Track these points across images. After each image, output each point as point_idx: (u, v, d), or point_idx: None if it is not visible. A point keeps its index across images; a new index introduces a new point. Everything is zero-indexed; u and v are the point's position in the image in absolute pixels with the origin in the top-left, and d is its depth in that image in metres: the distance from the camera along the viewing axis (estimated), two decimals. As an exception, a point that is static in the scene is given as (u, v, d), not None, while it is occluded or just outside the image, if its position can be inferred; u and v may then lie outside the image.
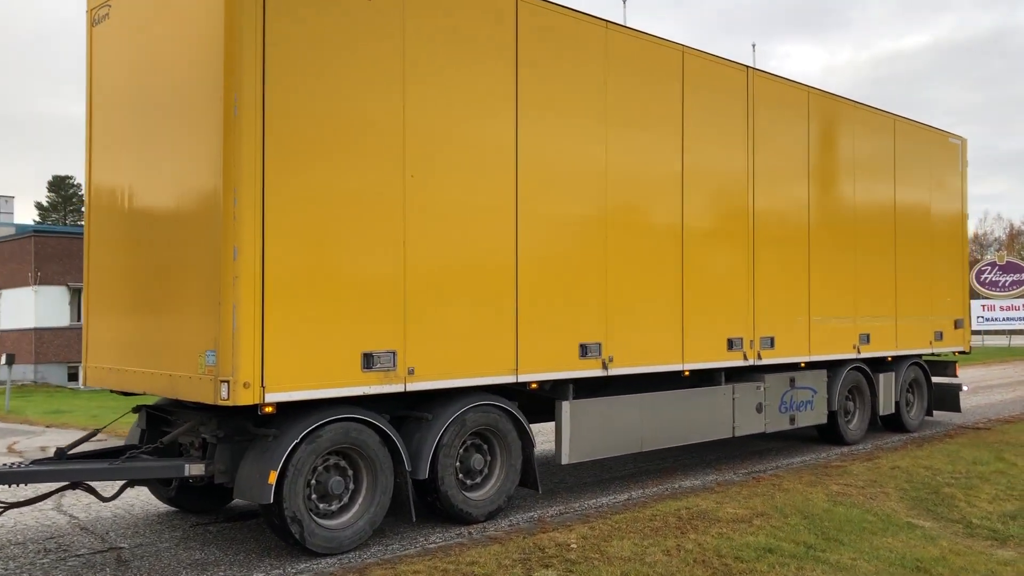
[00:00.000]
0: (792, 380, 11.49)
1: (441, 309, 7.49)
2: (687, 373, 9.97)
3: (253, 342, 6.33)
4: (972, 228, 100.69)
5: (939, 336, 14.27)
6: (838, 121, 12.29)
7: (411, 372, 7.25)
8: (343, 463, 7.10)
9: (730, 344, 10.40)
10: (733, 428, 10.59)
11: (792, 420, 11.48)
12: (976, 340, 54.90)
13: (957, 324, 14.74)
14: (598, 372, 8.84)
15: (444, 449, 7.61)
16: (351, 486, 7.15)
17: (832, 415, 12.26)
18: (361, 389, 6.97)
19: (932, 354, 14.67)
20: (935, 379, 14.98)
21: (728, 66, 10.50)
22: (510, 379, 8.03)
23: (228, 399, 6.28)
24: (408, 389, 7.26)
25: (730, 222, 10.47)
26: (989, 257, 62.99)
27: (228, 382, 6.28)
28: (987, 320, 53.57)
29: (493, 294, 7.90)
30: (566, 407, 8.66)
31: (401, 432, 7.65)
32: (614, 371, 9.00)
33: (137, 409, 7.96)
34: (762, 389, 11.00)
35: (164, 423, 7.69)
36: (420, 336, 7.32)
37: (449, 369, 7.54)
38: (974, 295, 55.51)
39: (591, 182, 8.84)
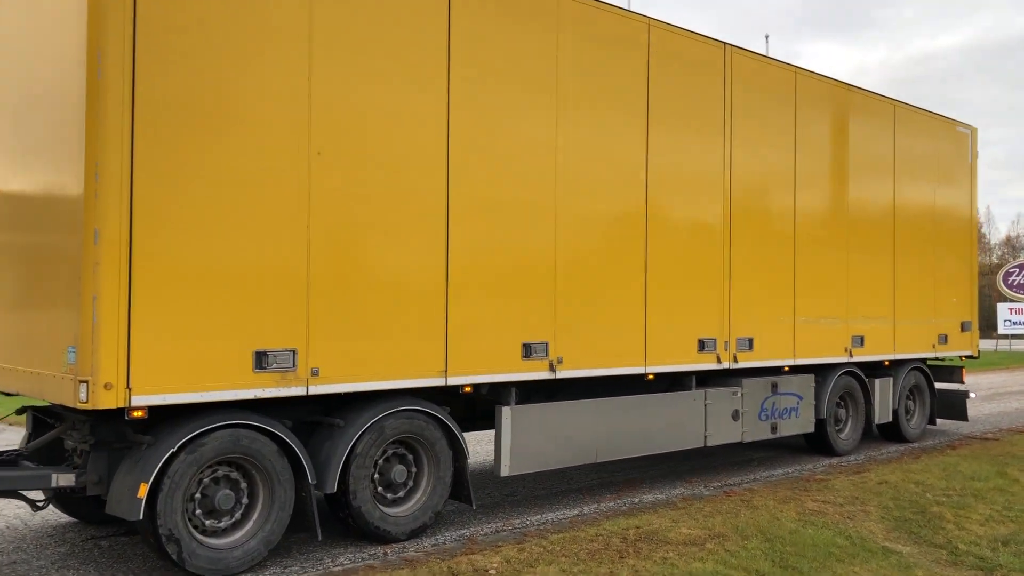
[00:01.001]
0: (774, 385, 10.58)
1: (353, 303, 6.69)
2: (651, 377, 9.11)
3: (117, 338, 5.57)
4: (1004, 231, 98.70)
5: (943, 339, 13.27)
6: (829, 105, 11.36)
7: (315, 373, 6.46)
8: (235, 475, 6.32)
9: (701, 345, 9.51)
10: (705, 437, 9.70)
11: (774, 429, 10.57)
12: (1003, 344, 53.28)
13: (964, 327, 13.72)
14: (544, 375, 8.01)
15: (357, 460, 6.82)
16: (244, 501, 6.38)
17: (820, 423, 11.32)
18: (252, 392, 6.19)
19: (936, 358, 13.67)
20: (940, 385, 13.99)
21: (702, 42, 9.62)
22: (438, 382, 7.22)
23: (87, 402, 5.53)
24: (311, 392, 6.47)
25: (702, 212, 9.59)
26: (1019, 259, 61.22)
27: (87, 382, 5.52)
28: (1014, 324, 51.73)
29: (418, 286, 7.09)
30: (506, 413, 7.84)
31: (311, 440, 6.89)
32: (564, 374, 8.16)
33: (22, 411, 7.24)
34: (739, 395, 10.10)
35: (50, 427, 6.96)
36: (326, 333, 6.53)
37: (362, 370, 6.74)
38: (1001, 298, 53.90)
39: (541, 162, 8.00)
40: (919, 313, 12.78)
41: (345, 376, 6.64)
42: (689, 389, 9.65)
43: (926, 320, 12.93)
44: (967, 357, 14.04)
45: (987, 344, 56.82)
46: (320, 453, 6.77)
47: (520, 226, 7.84)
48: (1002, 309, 51.23)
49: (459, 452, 7.52)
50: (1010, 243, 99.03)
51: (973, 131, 14.14)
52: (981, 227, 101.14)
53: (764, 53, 10.49)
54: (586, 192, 8.38)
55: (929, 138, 13.14)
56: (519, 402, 8.09)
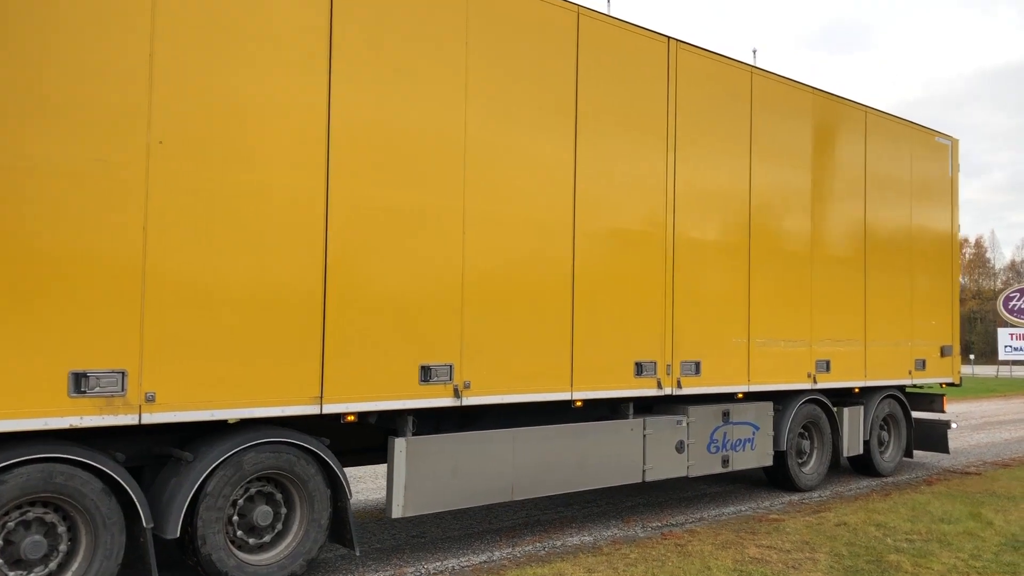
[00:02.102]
0: (726, 414, 9.61)
1: (201, 316, 5.76)
2: (579, 404, 8.16)
3: None
4: (1009, 255, 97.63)
5: (921, 365, 12.29)
6: (791, 109, 10.45)
7: (150, 399, 5.52)
8: (50, 517, 5.37)
9: (639, 369, 8.56)
10: (643, 472, 8.72)
11: (726, 462, 9.59)
12: (1004, 371, 52.09)
13: (944, 351, 12.74)
14: (447, 401, 7.06)
15: (207, 500, 5.87)
16: (62, 548, 5.42)
17: (780, 456, 10.34)
18: (67, 421, 5.25)
19: (913, 386, 12.69)
20: (918, 415, 13.00)
21: (642, 36, 8.75)
22: (310, 409, 6.28)
23: None
24: (145, 422, 5.53)
25: (640, 221, 8.67)
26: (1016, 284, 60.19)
27: None
28: (1015, 350, 50.67)
29: (287, 299, 6.17)
30: (400, 446, 6.89)
31: (158, 477, 5.95)
32: (471, 400, 7.21)
33: None
34: (684, 424, 9.13)
35: None
36: (166, 351, 5.60)
37: (213, 396, 5.80)
38: (1000, 323, 52.75)
39: (442, 160, 7.10)
40: (893, 336, 11.82)
41: (191, 403, 5.71)
42: (626, 418, 8.68)
43: (901, 344, 11.96)
44: (948, 384, 13.04)
45: (988, 370, 55.75)
46: (164, 492, 5.83)
47: (418, 231, 6.92)
48: (1002, 335, 50.20)
49: (340, 490, 6.56)
50: (1014, 268, 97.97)
51: (954, 142, 13.24)
52: (986, 252, 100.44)
53: (718, 52, 9.61)
54: (501, 196, 7.47)
55: (905, 148, 12.24)
56: (420, 432, 7.15)
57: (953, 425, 12.94)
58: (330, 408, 6.38)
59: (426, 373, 6.90)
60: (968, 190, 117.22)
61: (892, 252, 11.90)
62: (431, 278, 6.99)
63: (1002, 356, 49.99)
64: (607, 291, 8.31)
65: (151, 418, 5.55)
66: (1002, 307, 50.87)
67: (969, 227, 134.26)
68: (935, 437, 12.90)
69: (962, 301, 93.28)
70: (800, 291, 10.44)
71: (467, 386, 7.17)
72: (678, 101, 9.01)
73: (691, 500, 10.01)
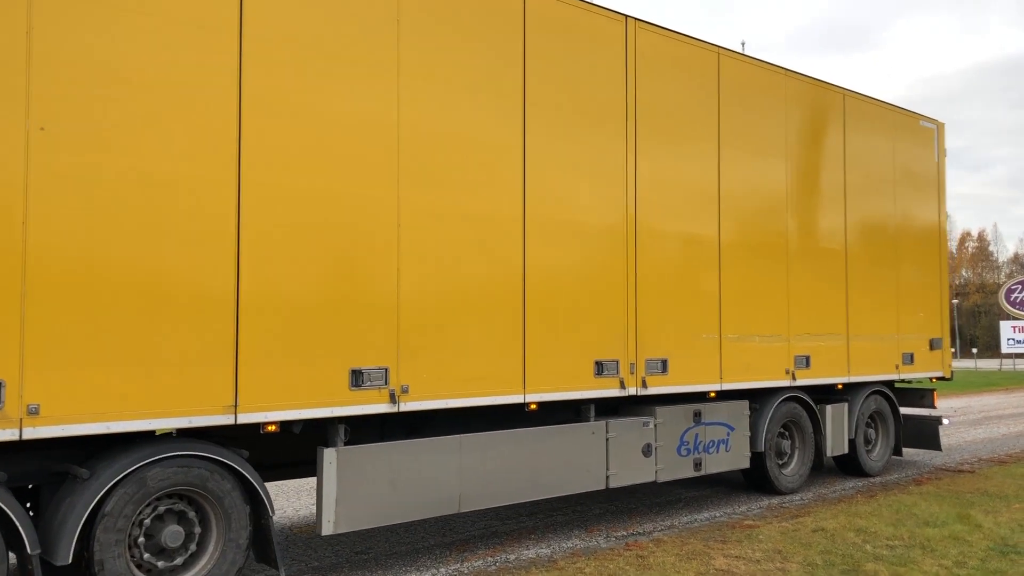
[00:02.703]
0: (697, 414, 9.07)
1: (94, 318, 5.24)
2: (533, 407, 7.62)
3: None
4: (1012, 249, 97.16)
5: (909, 359, 11.74)
6: (762, 93, 9.91)
7: (33, 411, 5.00)
8: (-79, 545, 4.85)
9: (599, 368, 8.03)
10: (607, 478, 8.18)
11: (698, 465, 9.04)
12: (1007, 364, 51.43)
13: (933, 344, 12.19)
14: (382, 408, 6.54)
15: (106, 520, 5.34)
16: (-65, 579, 4.90)
17: (758, 457, 9.78)
18: (-68, 437, 4.72)
19: (901, 380, 12.13)
20: (908, 411, 12.45)
21: (598, 14, 8.22)
22: (223, 419, 5.75)
23: None
24: (27, 437, 5.01)
25: (600, 210, 8.13)
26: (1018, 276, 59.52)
27: None
28: (1018, 343, 50.00)
29: (189, 298, 5.64)
30: (329, 456, 6.36)
31: (54, 498, 5.43)
32: (410, 406, 6.69)
33: None
34: (651, 426, 8.59)
35: None
36: (51, 358, 5.08)
37: (108, 406, 5.28)
38: (1002, 316, 52.10)
39: (372, 146, 6.58)
40: (878, 330, 11.27)
41: (81, 415, 5.18)
42: (587, 420, 8.14)
43: (887, 338, 11.41)
44: (939, 379, 12.48)
45: (991, 364, 55.09)
46: (57, 514, 5.31)
47: (346, 221, 6.39)
48: (1005, 327, 49.57)
49: (260, 507, 6.03)
50: (1018, 261, 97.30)
51: (939, 126, 12.70)
52: (988, 245, 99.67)
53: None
54: (441, 185, 6.94)
55: (887, 133, 11.70)
56: (363, 441, 6.64)
57: (945, 421, 12.37)
58: (246, 417, 5.85)
59: (357, 377, 6.37)
60: (971, 184, 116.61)
61: (875, 242, 11.36)
62: (364, 271, 6.46)
63: (1005, 349, 49.32)
64: (563, 286, 7.79)
65: (34, 433, 5.02)
66: (1004, 299, 50.23)
67: (972, 221, 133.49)
68: (927, 434, 12.34)
69: (965, 295, 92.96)
70: (776, 284, 9.90)
71: (405, 391, 6.64)
72: (638, 85, 8.48)
73: (663, 506, 9.46)
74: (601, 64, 8.20)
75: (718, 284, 9.21)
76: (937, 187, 12.56)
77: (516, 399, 7.41)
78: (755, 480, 10.09)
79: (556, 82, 7.79)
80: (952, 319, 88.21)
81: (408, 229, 6.71)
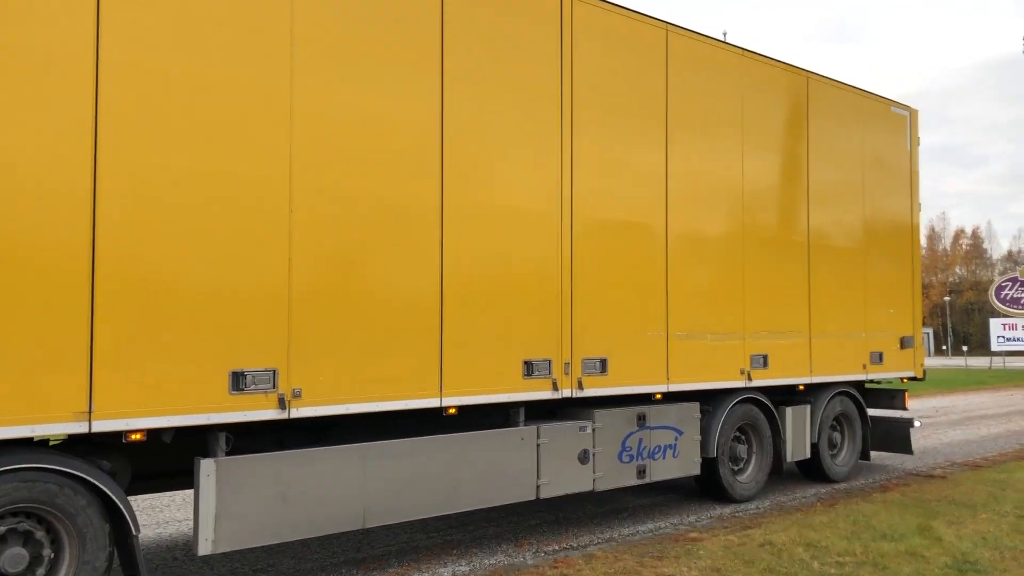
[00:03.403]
0: (641, 417, 8.44)
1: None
2: (452, 411, 6.97)
3: None
4: (1006, 246, 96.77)
5: (877, 358, 11.11)
6: (717, 74, 9.27)
7: None
8: None
9: (529, 368, 7.39)
10: (537, 487, 7.55)
11: (642, 472, 8.41)
12: (997, 362, 50.94)
13: (904, 343, 11.56)
14: (269, 414, 5.89)
15: (-74, 543, 4.68)
16: None
17: (710, 463, 9.15)
18: None
19: (869, 381, 11.51)
20: (878, 413, 11.83)
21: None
22: (75, 427, 5.09)
23: None
24: None
25: (529, 198, 7.49)
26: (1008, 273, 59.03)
27: None
28: (1008, 340, 49.55)
29: (27, 287, 4.98)
30: (207, 468, 5.71)
31: None
32: (304, 411, 6.04)
33: None
34: (589, 431, 7.95)
35: None
36: None
37: (-72, 413, 4.62)
38: (994, 313, 51.58)
39: (260, 119, 5.92)
40: (844, 327, 10.64)
41: None
42: (515, 425, 7.50)
43: (854, 335, 10.78)
44: (911, 379, 11.86)
45: (981, 361, 54.58)
46: None
47: (226, 203, 5.73)
48: (995, 325, 49.08)
49: (121, 525, 5.38)
50: (1012, 258, 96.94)
51: (912, 113, 12.07)
52: (983, 243, 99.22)
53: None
54: (344, 163, 6.29)
55: (855, 118, 11.07)
56: (246, 451, 5.99)
57: (917, 423, 11.76)
58: (103, 425, 5.19)
59: (239, 380, 5.72)
60: (966, 181, 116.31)
61: (841, 234, 10.73)
62: (247, 262, 5.81)
63: (994, 347, 48.84)
64: (487, 278, 7.14)
65: None
66: (994, 297, 49.77)
67: (966, 218, 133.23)
68: (897, 437, 11.73)
69: (959, 292, 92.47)
70: (730, 278, 9.26)
71: (297, 395, 5.99)
72: (575, 61, 7.83)
73: (607, 516, 8.82)
74: (534, 36, 7.55)
75: (665, 278, 8.57)
76: (909, 177, 11.93)
77: (431, 403, 6.77)
78: (708, 487, 9.47)
79: (481, 54, 7.15)
80: (945, 317, 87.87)
81: (303, 211, 6.06)
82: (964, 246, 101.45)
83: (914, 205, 11.99)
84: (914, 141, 12.03)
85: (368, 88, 6.45)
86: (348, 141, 6.32)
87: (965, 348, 59.71)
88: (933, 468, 11.80)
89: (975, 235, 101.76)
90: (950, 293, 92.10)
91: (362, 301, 6.35)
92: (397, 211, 6.58)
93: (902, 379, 11.76)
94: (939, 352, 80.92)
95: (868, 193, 11.14)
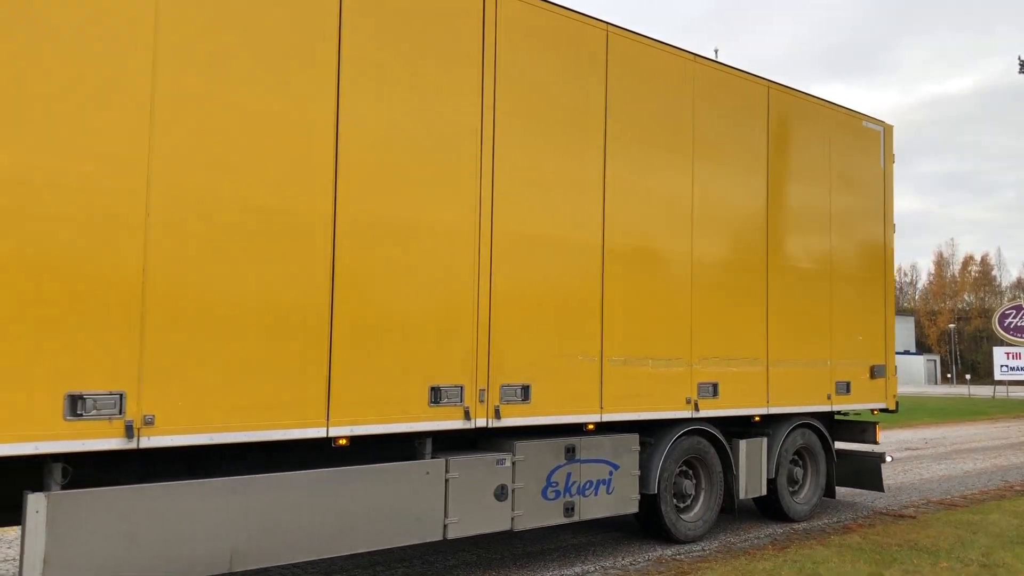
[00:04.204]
0: (570, 450, 7.74)
1: None
2: (343, 442, 6.29)
3: None
4: (1015, 273, 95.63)
5: (844, 388, 10.39)
6: (663, 80, 8.63)
7: None
8: None
9: (436, 395, 6.72)
10: (444, 527, 6.84)
11: (570, 510, 7.70)
12: (1000, 391, 49.94)
13: (875, 372, 10.84)
14: (114, 443, 5.23)
15: None
16: None
17: (651, 500, 8.43)
18: None
19: (838, 413, 10.79)
20: (846, 447, 11.09)
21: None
22: None
23: None
24: None
25: (440, 208, 6.84)
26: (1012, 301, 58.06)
27: None
28: (1012, 369, 48.65)
29: None
30: (35, 503, 5.04)
31: None
32: (156, 441, 5.38)
33: None
34: (508, 464, 7.26)
35: None
36: None
37: None
38: (998, 342, 50.58)
39: (107, 111, 5.29)
40: (806, 354, 9.94)
41: None
42: (422, 458, 6.82)
43: (817, 364, 10.07)
44: (882, 411, 11.12)
45: (984, 390, 53.53)
46: None
47: (64, 203, 5.09)
48: (998, 353, 48.18)
49: (-77, 568, 4.72)
50: (1021, 286, 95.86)
51: (887, 128, 11.41)
52: (992, 270, 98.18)
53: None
54: (214, 165, 5.66)
55: (822, 133, 10.41)
56: (122, 482, 5.35)
57: (888, 458, 11.01)
58: (-102, 455, 4.53)
59: (77, 404, 5.06)
60: (977, 209, 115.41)
61: (804, 255, 10.05)
62: (90, 271, 5.16)
63: (998, 376, 47.91)
64: (387, 295, 6.49)
65: None
66: (998, 325, 48.81)
67: (976, 245, 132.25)
68: (867, 473, 10.98)
69: (967, 320, 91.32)
70: (676, 300, 8.59)
71: (149, 422, 5.33)
72: (498, 61, 7.21)
73: (533, 557, 8.10)
74: (451, 32, 6.93)
75: (600, 298, 7.90)
76: (883, 196, 11.26)
77: (315, 433, 6.10)
78: (650, 527, 8.74)
79: (384, 49, 6.54)
80: (952, 344, 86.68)
81: (159, 212, 5.42)
82: (973, 273, 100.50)
83: (888, 226, 11.30)
84: (888, 158, 11.37)
85: (242, 85, 5.81)
86: (220, 139, 5.68)
87: (968, 377, 58.71)
88: (905, 507, 11.04)
89: (984, 262, 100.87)
90: (957, 320, 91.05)
91: (231, 317, 5.69)
92: (279, 219, 5.93)
93: (873, 411, 11.02)
94: (944, 380, 79.83)
95: (836, 212, 10.47)
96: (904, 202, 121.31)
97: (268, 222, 5.88)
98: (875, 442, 10.98)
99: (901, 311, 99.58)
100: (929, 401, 40.50)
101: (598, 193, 7.94)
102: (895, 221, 11.39)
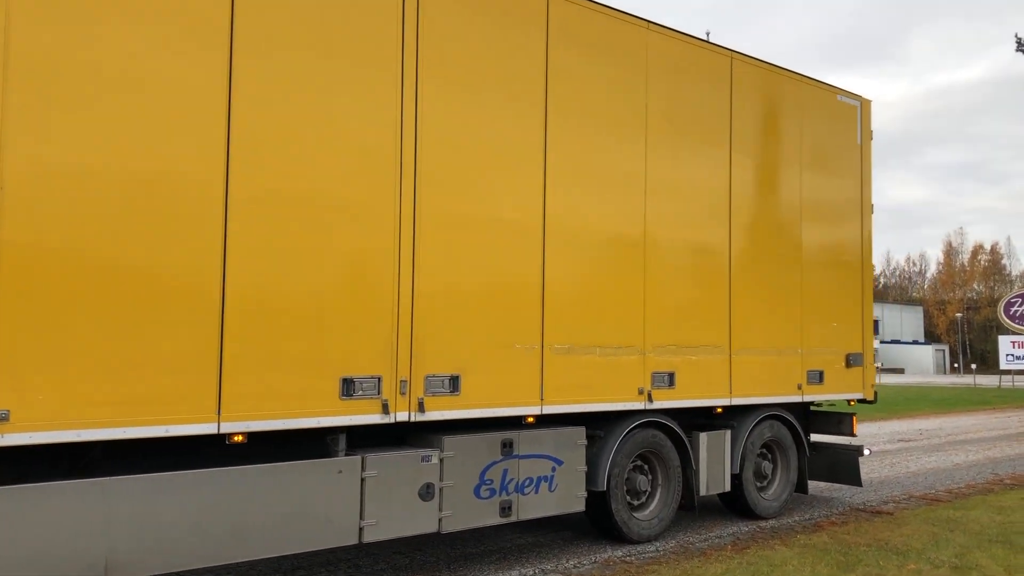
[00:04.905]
0: (507, 444, 7.19)
1: None
2: (239, 439, 5.75)
3: None
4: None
5: (816, 378, 9.80)
6: (613, 47, 8.05)
7: None
8: None
9: (348, 387, 6.17)
10: (360, 530, 6.30)
11: (507, 509, 7.15)
12: (1006, 380, 49.14)
13: (851, 361, 10.24)
14: (-41, 440, 4.68)
15: None
16: None
17: (600, 497, 7.88)
18: None
19: (811, 403, 10.21)
20: (822, 439, 10.53)
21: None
22: None
23: None
24: None
25: (357, 184, 6.28)
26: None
27: None
28: (1017, 359, 47.67)
29: None
30: None
31: None
32: (7, 439, 4.86)
33: None
34: (435, 461, 6.70)
35: None
36: None
37: None
38: (1003, 331, 49.75)
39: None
40: (774, 342, 9.35)
41: None
42: (335, 455, 6.27)
43: (786, 352, 9.49)
44: (860, 401, 10.53)
45: (990, 380, 52.74)
46: None
47: None
48: (1004, 342, 47.32)
49: None
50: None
51: (864, 103, 10.79)
52: (1002, 259, 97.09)
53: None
54: (75, 128, 5.11)
55: (792, 107, 9.81)
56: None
57: (867, 451, 10.42)
58: None
59: (-88, 398, 4.52)
60: (988, 198, 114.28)
61: (771, 236, 9.46)
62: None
63: (1003, 365, 47.04)
64: (289, 278, 5.94)
65: None
66: (1003, 313, 47.92)
67: (986, 234, 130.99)
68: (844, 467, 10.40)
69: (976, 309, 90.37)
70: (628, 283, 8.02)
71: (3, 417, 4.79)
72: (421, 24, 6.63)
73: (471, 560, 7.55)
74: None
75: (541, 281, 7.34)
76: (860, 174, 10.64)
77: (204, 429, 5.55)
78: (601, 525, 8.18)
79: (288, 9, 5.96)
80: (962, 333, 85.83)
81: (11, 183, 4.87)
82: (982, 262, 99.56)
83: (865, 206, 10.69)
84: (866, 134, 10.74)
85: (116, 31, 5.26)
86: (84, 98, 5.13)
87: (974, 367, 57.92)
88: (885, 502, 10.45)
89: (994, 251, 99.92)
90: (967, 310, 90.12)
91: (101, 299, 5.14)
92: (157, 188, 5.38)
93: (849, 402, 10.43)
94: (953, 370, 79.04)
95: (808, 191, 9.86)
96: (913, 191, 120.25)
97: (148, 191, 5.33)
98: (852, 434, 10.40)
99: (910, 301, 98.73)
100: (933, 391, 39.85)
101: (539, 165, 7.37)
102: (873, 201, 10.78)
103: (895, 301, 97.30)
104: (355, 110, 6.28)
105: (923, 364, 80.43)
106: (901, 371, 71.26)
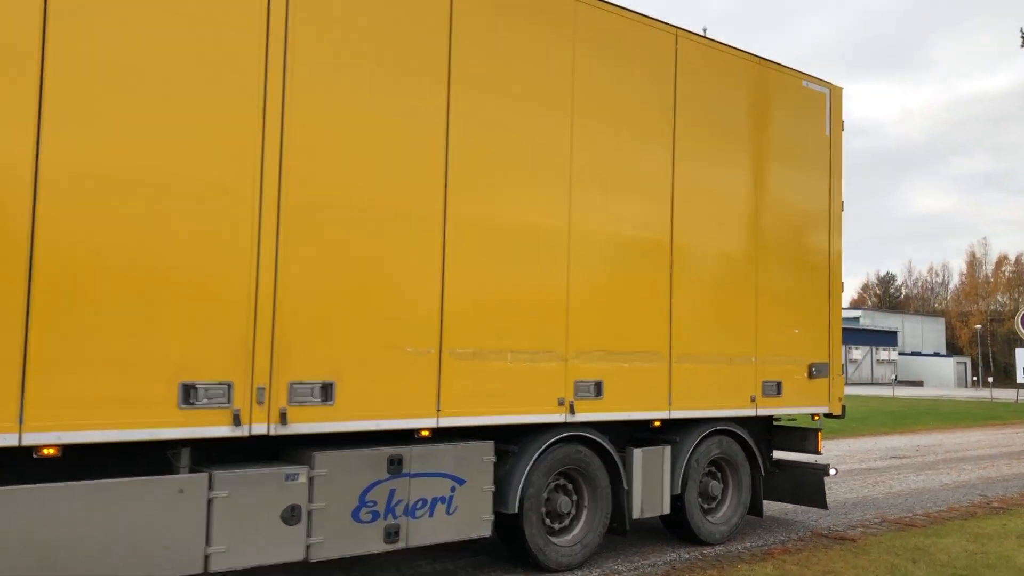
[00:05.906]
0: (396, 461, 6.37)
1: None
2: (50, 452, 4.98)
3: None
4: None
5: (774, 389, 8.91)
6: (533, 21, 7.24)
7: None
8: None
9: (190, 395, 5.38)
10: (206, 558, 5.49)
11: (394, 534, 6.33)
12: (1023, 395, 47.57)
13: (815, 371, 9.34)
14: None
15: None
16: None
17: (511, 520, 7.04)
18: None
19: (771, 417, 9.32)
20: (784, 456, 9.62)
21: None
22: None
23: None
24: None
25: (208, 163, 5.51)
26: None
27: None
28: (1034, 372, 46.10)
29: None
30: None
31: None
32: None
33: None
34: (302, 480, 5.90)
35: None
36: None
37: None
38: (1021, 343, 48.22)
39: None
40: (723, 349, 8.48)
41: None
42: (177, 471, 5.48)
43: (738, 360, 8.61)
44: (825, 416, 9.62)
45: (1009, 394, 51.16)
46: None
47: None
48: (1020, 355, 45.70)
49: None
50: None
51: (834, 91, 9.91)
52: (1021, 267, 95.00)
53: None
54: None
55: (749, 92, 8.96)
56: None
57: (832, 471, 9.50)
58: None
59: None
60: (1013, 208, 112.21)
61: (720, 232, 8.60)
62: None
63: (1020, 379, 45.43)
64: (115, 269, 5.17)
65: None
66: (1020, 325, 46.34)
67: (1011, 245, 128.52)
68: (808, 487, 9.48)
69: (1000, 321, 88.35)
70: (547, 282, 7.20)
71: None
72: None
73: (359, 590, 6.73)
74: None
75: (440, 277, 6.54)
76: (828, 166, 9.75)
77: (3, 440, 4.77)
78: (514, 551, 7.34)
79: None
80: (980, 345, 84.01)
81: None
82: (1007, 273, 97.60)
83: (834, 202, 9.80)
84: (836, 124, 9.86)
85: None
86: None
87: (991, 380, 56.41)
88: (852, 527, 9.52)
89: (1019, 262, 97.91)
90: (990, 322, 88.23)
91: None
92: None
93: (813, 416, 9.53)
94: (973, 384, 77.33)
95: (764, 184, 9.00)
96: (937, 201, 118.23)
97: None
98: (817, 452, 9.50)
99: (931, 312, 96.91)
100: (945, 404, 38.58)
101: (441, 150, 6.57)
102: (843, 198, 9.88)
103: (916, 312, 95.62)
104: (207, 79, 5.50)
105: (943, 377, 78.66)
106: (920, 384, 69.72)
